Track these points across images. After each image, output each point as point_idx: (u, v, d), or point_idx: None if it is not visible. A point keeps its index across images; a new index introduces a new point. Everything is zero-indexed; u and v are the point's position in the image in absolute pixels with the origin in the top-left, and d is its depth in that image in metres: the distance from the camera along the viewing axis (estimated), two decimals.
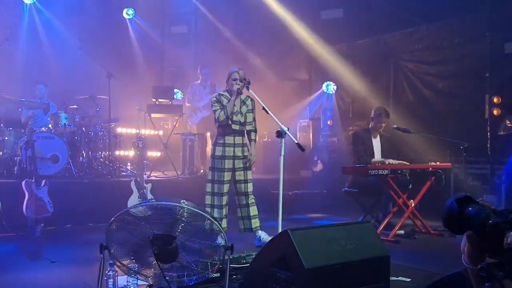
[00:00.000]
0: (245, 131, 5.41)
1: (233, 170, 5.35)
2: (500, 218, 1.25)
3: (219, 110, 5.24)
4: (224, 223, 5.33)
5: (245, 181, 5.39)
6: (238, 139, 5.36)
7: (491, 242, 1.25)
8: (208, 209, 5.30)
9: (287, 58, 10.89)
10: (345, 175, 6.52)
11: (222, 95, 5.35)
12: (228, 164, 5.31)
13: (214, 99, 5.33)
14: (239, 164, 5.36)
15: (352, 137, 6.72)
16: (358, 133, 6.67)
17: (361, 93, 10.07)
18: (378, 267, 3.27)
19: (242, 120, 5.35)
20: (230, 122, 5.26)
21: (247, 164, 5.41)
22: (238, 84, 5.20)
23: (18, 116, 7.61)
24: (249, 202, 5.40)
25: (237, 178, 5.38)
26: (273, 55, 10.71)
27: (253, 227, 5.38)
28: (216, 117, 5.27)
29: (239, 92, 5.24)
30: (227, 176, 5.32)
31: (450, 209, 1.39)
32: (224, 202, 5.34)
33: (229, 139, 5.32)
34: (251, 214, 5.39)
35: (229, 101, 5.25)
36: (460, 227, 1.38)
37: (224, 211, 5.36)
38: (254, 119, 5.48)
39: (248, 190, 5.40)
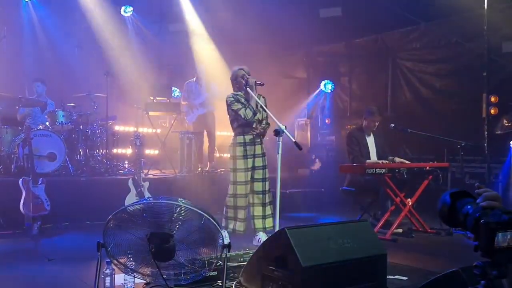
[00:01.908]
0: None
1: (253, 168, 5.31)
2: (492, 218, 1.26)
3: (243, 108, 5.14)
4: (244, 226, 5.29)
5: (264, 180, 5.35)
6: (258, 137, 5.34)
7: (483, 241, 1.25)
8: (232, 210, 5.28)
9: (286, 56, 10.90)
10: (342, 173, 6.53)
11: (237, 94, 5.27)
12: (250, 163, 5.27)
13: (232, 99, 5.22)
14: (259, 162, 5.32)
15: (347, 137, 6.73)
16: (352, 133, 6.67)
17: (359, 92, 10.08)
18: (375, 266, 3.28)
19: (261, 117, 5.33)
20: (252, 120, 5.21)
21: (266, 162, 5.38)
22: (252, 78, 5.16)
23: (15, 114, 7.60)
24: (268, 201, 5.34)
25: (256, 176, 5.32)
26: (271, 53, 10.70)
27: (267, 226, 5.29)
28: (243, 116, 5.12)
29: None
30: (249, 176, 5.29)
31: (443, 203, 1.41)
32: (247, 203, 5.31)
33: (249, 138, 5.28)
34: (267, 213, 5.33)
35: (246, 99, 5.20)
36: (452, 221, 1.40)
37: (246, 212, 5.31)
38: (267, 116, 5.40)
39: (267, 189, 5.35)
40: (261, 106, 5.14)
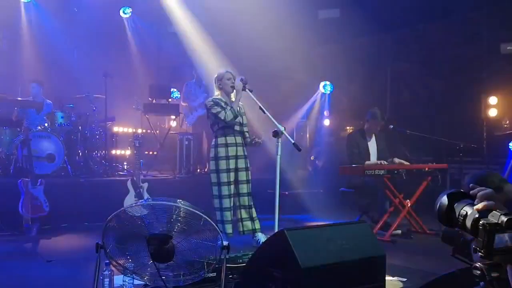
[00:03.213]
0: (243, 132, 5.39)
1: (236, 170, 5.30)
2: (492, 219, 1.26)
3: (223, 111, 5.14)
4: (231, 228, 5.26)
5: (248, 181, 5.34)
6: (239, 139, 5.32)
7: (482, 242, 1.25)
8: (218, 213, 5.25)
9: (284, 57, 10.89)
10: (341, 174, 6.52)
11: (217, 98, 5.26)
12: (232, 164, 5.26)
13: (212, 103, 5.20)
14: (241, 164, 5.31)
15: (347, 139, 6.70)
16: (352, 135, 6.63)
17: (358, 93, 10.08)
18: (374, 267, 3.28)
19: (241, 121, 5.34)
20: (233, 122, 5.22)
21: (249, 164, 5.39)
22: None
23: (12, 115, 7.58)
24: (251, 204, 5.35)
25: (240, 178, 5.31)
26: (269, 54, 10.71)
27: (256, 228, 5.31)
28: (223, 118, 5.12)
29: (244, 89, 5.12)
30: (232, 176, 5.27)
31: (440, 203, 1.42)
32: (232, 204, 5.28)
33: (231, 139, 5.27)
34: (253, 215, 5.34)
35: (226, 102, 5.22)
36: (450, 221, 1.40)
37: (231, 214, 5.30)
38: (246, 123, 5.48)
39: (250, 191, 5.36)
40: (260, 108, 5.08)
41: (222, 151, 5.26)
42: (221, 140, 5.29)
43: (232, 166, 5.27)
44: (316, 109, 10.49)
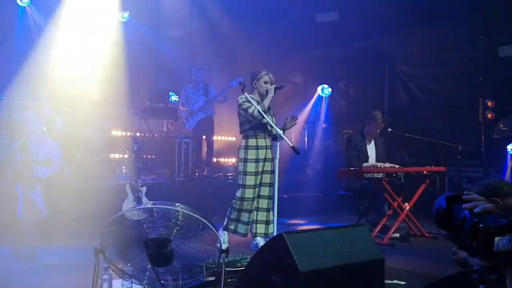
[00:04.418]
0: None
1: (262, 172, 5.27)
2: (491, 222, 1.26)
3: (252, 106, 5.01)
4: (246, 229, 5.24)
5: (271, 184, 5.28)
6: (269, 141, 5.27)
7: (481, 246, 1.25)
8: (235, 212, 5.23)
9: (282, 61, 10.91)
10: (340, 178, 6.52)
11: (250, 95, 5.12)
12: (260, 167, 5.23)
13: (244, 99, 5.09)
14: (267, 166, 5.27)
15: (346, 141, 6.70)
16: (352, 137, 6.61)
17: (356, 96, 10.10)
18: (372, 270, 3.28)
19: (272, 121, 5.21)
20: (264, 121, 5.11)
21: (274, 167, 5.26)
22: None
23: (11, 119, 7.56)
24: (271, 207, 5.29)
25: (263, 180, 5.27)
26: (268, 57, 10.72)
27: (270, 232, 5.23)
28: (251, 112, 5.02)
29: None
30: (258, 179, 5.24)
31: (438, 207, 1.41)
32: (253, 207, 5.25)
33: (261, 142, 5.23)
34: (270, 219, 5.27)
35: (258, 102, 5.14)
36: (448, 225, 1.40)
37: (253, 215, 5.27)
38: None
39: (271, 194, 5.29)
40: (259, 111, 5.04)
41: (252, 154, 5.21)
42: (252, 142, 5.24)
43: (260, 169, 5.24)
44: (314, 113, 10.49)
